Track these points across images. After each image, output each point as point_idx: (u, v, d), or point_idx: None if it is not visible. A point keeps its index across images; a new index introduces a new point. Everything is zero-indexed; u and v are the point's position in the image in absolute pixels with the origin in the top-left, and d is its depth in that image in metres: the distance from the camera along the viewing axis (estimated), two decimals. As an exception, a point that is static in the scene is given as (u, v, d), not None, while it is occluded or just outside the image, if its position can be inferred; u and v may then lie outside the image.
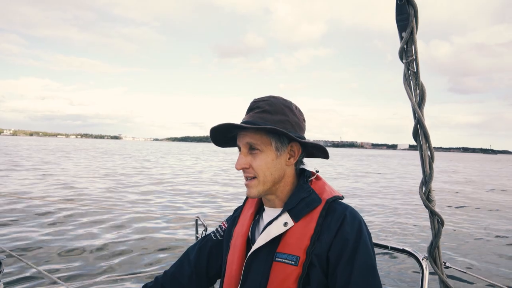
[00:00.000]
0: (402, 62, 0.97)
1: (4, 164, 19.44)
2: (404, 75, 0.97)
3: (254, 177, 1.02)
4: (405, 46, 0.95)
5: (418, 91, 0.96)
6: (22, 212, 7.46)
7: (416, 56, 0.95)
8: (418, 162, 0.99)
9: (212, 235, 1.23)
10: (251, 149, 1.02)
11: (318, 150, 1.10)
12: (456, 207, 10.98)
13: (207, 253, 1.19)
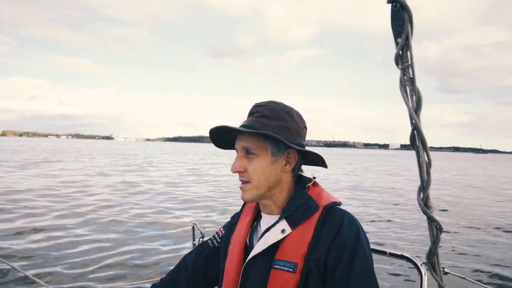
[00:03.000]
0: (398, 67, 0.96)
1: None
2: (400, 81, 0.96)
3: (248, 181, 1.02)
4: (400, 51, 0.95)
5: (414, 97, 0.95)
6: (11, 216, 7.33)
7: (412, 62, 0.94)
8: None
9: (209, 241, 1.22)
10: (247, 153, 1.02)
11: (316, 158, 1.09)
12: (453, 212, 11.07)
13: (204, 259, 1.18)
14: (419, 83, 0.95)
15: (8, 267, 4.10)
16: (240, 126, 1.02)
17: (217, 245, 1.20)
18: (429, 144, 0.96)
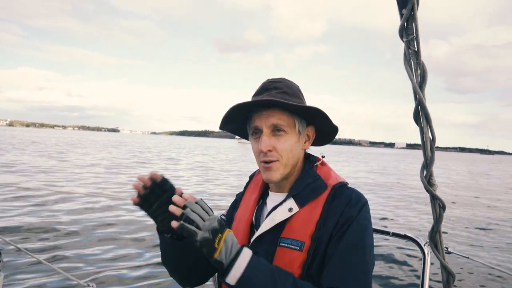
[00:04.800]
0: (402, 40, 0.93)
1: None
2: (405, 54, 0.93)
3: (277, 160, 0.98)
4: (405, 23, 0.92)
5: (419, 71, 0.93)
6: (24, 202, 7.43)
7: (417, 34, 0.91)
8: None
9: None
10: (276, 130, 0.97)
11: (330, 132, 1.08)
12: (457, 194, 11.00)
13: None
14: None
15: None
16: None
17: (223, 223, 1.18)
18: (435, 144, 0.94)
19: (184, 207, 0.83)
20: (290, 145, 0.98)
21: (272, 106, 0.96)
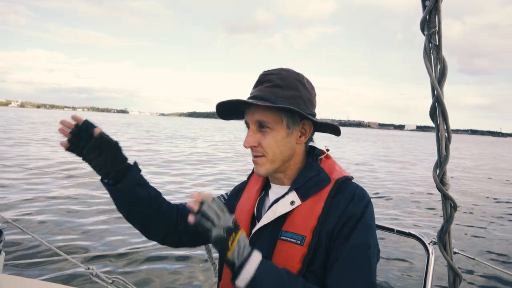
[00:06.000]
0: (424, 33, 0.89)
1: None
2: (425, 48, 0.90)
3: (263, 155, 0.99)
4: (428, 16, 0.87)
5: (439, 66, 0.89)
6: (26, 183, 7.60)
7: (439, 28, 0.87)
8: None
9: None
10: (261, 126, 0.97)
11: (330, 129, 1.05)
12: (465, 192, 10.91)
13: None
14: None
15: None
16: (251, 98, 0.97)
17: (223, 201, 1.19)
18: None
19: (202, 203, 0.84)
20: (275, 141, 0.97)
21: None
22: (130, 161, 1.06)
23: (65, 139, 0.98)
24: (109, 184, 1.02)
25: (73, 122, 0.98)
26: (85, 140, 0.97)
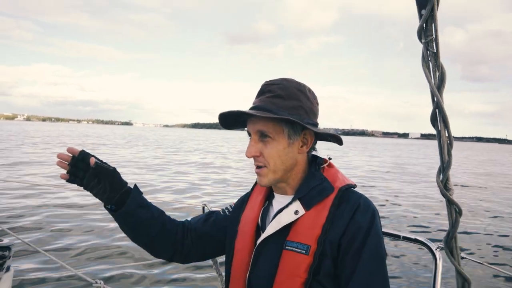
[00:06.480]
0: (421, 42, 0.91)
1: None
2: (423, 56, 0.92)
3: (265, 166, 1.00)
4: (424, 24, 0.89)
5: (437, 73, 0.91)
6: (34, 199, 7.63)
7: (436, 36, 0.89)
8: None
9: (220, 211, 1.23)
10: (262, 136, 0.98)
11: (332, 138, 1.06)
12: (471, 196, 10.77)
13: (213, 221, 1.19)
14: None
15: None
16: (253, 108, 0.98)
17: (228, 214, 1.20)
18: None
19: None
20: (277, 151, 0.98)
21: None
22: (131, 184, 1.09)
23: (65, 171, 1.00)
24: (111, 210, 1.05)
25: (70, 154, 1.00)
26: (84, 170, 1.00)
